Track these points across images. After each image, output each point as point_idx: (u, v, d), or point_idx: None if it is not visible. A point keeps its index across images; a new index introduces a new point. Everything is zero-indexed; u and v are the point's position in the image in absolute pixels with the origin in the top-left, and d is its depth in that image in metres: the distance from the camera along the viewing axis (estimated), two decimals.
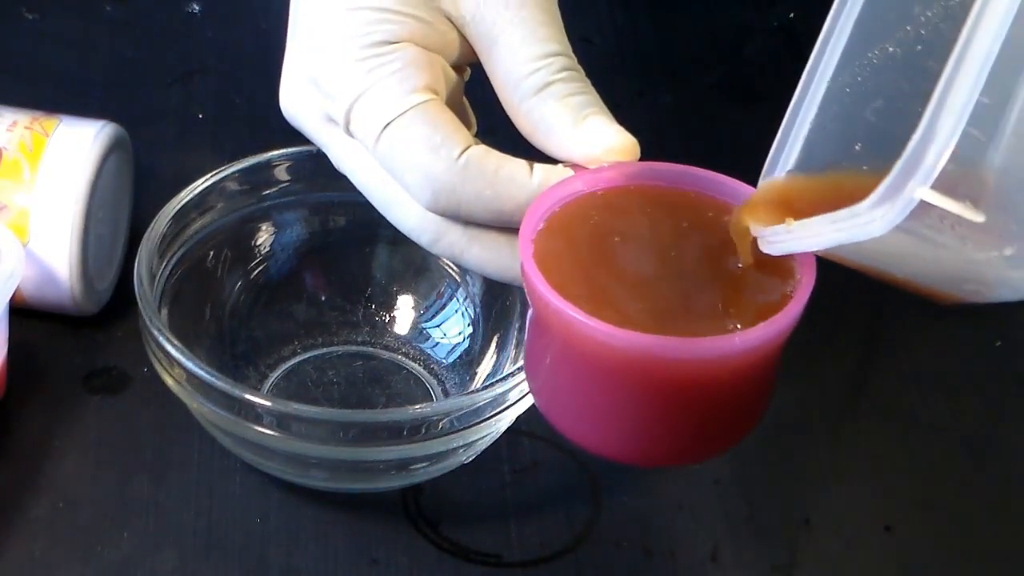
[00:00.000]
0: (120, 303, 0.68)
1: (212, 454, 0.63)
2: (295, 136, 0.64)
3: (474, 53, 0.56)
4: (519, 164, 0.54)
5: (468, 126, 0.58)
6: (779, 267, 0.51)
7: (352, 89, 0.55)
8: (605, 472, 0.64)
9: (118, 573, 0.59)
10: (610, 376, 0.50)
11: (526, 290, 0.51)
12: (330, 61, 0.55)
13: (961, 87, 0.41)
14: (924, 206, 0.42)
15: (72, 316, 0.67)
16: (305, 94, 0.57)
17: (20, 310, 0.65)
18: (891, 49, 0.51)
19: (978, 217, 0.43)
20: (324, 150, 0.58)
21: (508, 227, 0.54)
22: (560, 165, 0.54)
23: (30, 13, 0.82)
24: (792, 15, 0.86)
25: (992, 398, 0.68)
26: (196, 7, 0.84)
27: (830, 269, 0.73)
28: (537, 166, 0.54)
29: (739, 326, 0.49)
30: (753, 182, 0.79)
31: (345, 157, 0.57)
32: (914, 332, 0.71)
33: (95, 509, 0.61)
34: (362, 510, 0.62)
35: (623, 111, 0.80)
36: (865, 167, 0.50)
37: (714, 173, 0.54)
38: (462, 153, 0.53)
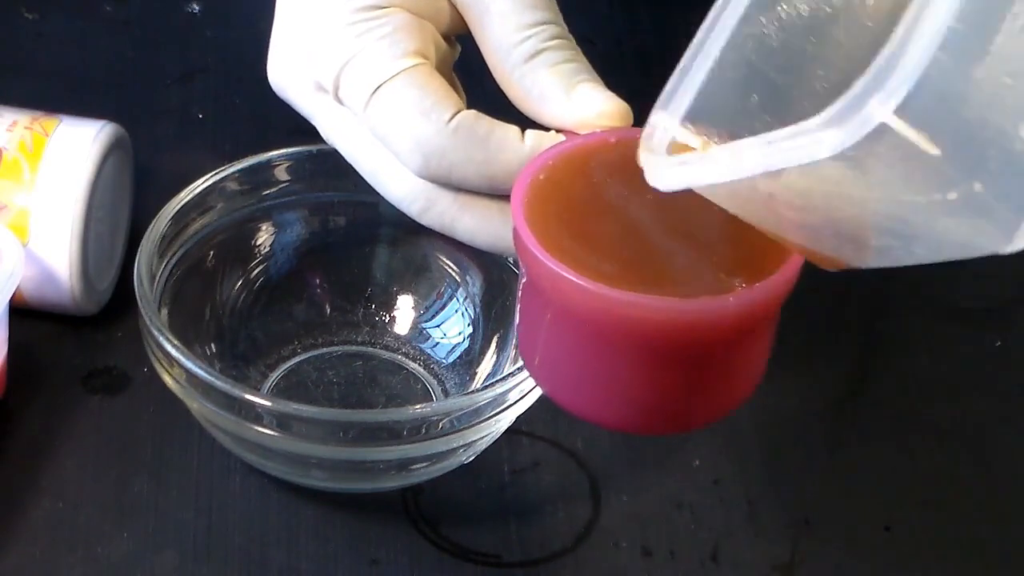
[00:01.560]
0: (120, 303, 0.68)
1: (212, 454, 0.63)
2: (295, 136, 0.64)
3: (464, 23, 0.56)
4: (511, 129, 0.53)
5: None
6: None
7: (341, 54, 0.54)
8: (605, 472, 0.64)
9: (118, 573, 0.59)
10: (602, 338, 0.49)
11: (518, 253, 0.50)
12: (319, 26, 0.55)
13: (940, 3, 0.38)
14: (880, 130, 0.39)
15: (72, 316, 0.67)
16: (293, 62, 0.57)
17: (20, 310, 0.65)
18: (801, 7, 0.49)
19: (934, 151, 0.40)
20: (312, 120, 0.57)
21: (499, 195, 0.54)
22: (552, 132, 0.54)
23: (30, 13, 0.82)
24: None
25: (992, 398, 0.68)
26: (196, 7, 0.84)
27: (828, 272, 0.73)
28: (529, 132, 0.53)
29: (737, 285, 0.48)
30: None
31: (334, 126, 0.57)
32: (914, 332, 0.71)
33: (95, 509, 0.61)
34: (362, 510, 0.62)
35: None
36: (757, 124, 0.47)
37: None
38: (453, 117, 0.53)
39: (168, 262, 0.63)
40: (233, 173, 0.65)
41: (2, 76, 0.78)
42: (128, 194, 0.70)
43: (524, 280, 0.51)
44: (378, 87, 0.54)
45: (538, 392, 0.60)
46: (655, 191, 0.48)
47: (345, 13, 0.54)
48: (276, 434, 0.57)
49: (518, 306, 0.53)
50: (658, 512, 0.63)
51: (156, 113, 0.77)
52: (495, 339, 0.66)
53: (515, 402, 0.59)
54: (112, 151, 0.66)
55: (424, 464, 0.60)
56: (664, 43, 0.83)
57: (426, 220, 0.55)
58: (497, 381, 0.58)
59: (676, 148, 0.48)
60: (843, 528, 0.63)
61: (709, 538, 0.62)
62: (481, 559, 0.61)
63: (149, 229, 0.62)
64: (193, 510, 0.61)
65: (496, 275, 0.66)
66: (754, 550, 0.62)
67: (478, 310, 0.67)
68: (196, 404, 0.59)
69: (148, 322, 0.59)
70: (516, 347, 0.55)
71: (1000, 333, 0.71)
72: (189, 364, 0.58)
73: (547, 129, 0.54)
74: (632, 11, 0.85)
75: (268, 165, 0.66)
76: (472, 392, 0.61)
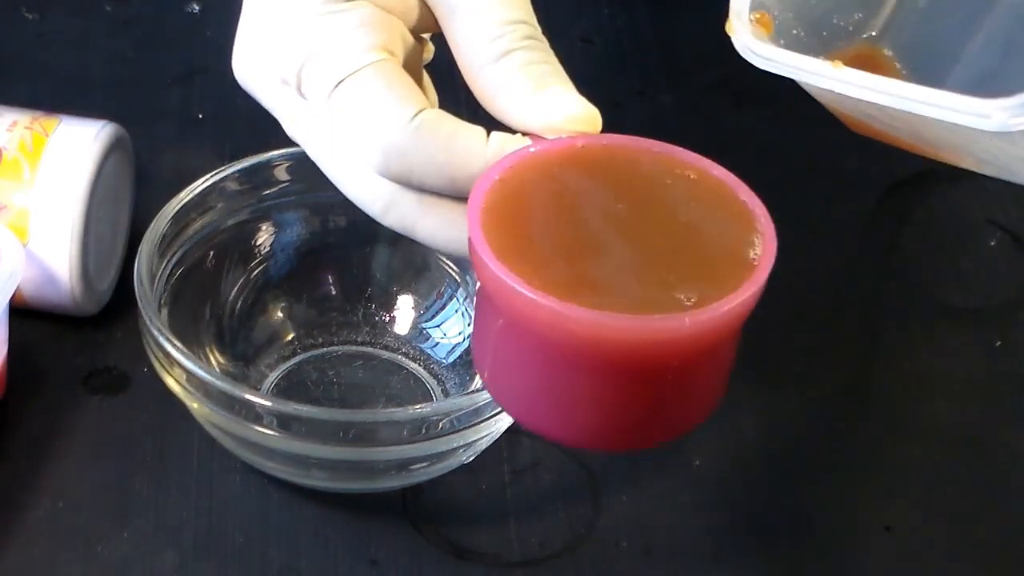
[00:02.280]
0: (120, 303, 0.68)
1: (212, 454, 0.63)
2: None
3: (435, 21, 0.55)
4: (475, 130, 0.52)
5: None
6: (740, 238, 0.49)
7: (305, 46, 0.53)
8: (605, 472, 0.64)
9: (118, 573, 0.59)
10: (551, 352, 0.48)
11: (471, 259, 0.49)
12: (284, 18, 0.54)
13: None
14: None
15: (72, 316, 0.67)
16: (258, 55, 0.56)
17: (20, 310, 0.65)
18: None
19: None
20: (276, 115, 0.56)
21: (462, 197, 0.52)
22: (518, 135, 0.52)
23: (30, 13, 0.82)
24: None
25: (992, 398, 0.68)
26: (196, 7, 0.84)
27: (828, 272, 0.73)
28: (494, 134, 0.52)
29: (696, 303, 0.47)
30: (755, 182, 0.79)
31: (297, 121, 0.55)
32: (914, 332, 0.71)
33: (95, 509, 0.61)
34: (362, 510, 0.62)
35: (623, 111, 0.80)
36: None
37: (676, 147, 0.52)
38: (416, 115, 0.52)
39: (168, 262, 0.63)
40: (233, 173, 0.65)
41: (2, 76, 0.78)
42: (128, 194, 0.70)
43: (479, 286, 0.50)
44: (341, 81, 0.52)
45: None
46: (615, 198, 0.49)
47: (312, 5, 0.53)
48: (276, 434, 0.57)
49: (475, 311, 0.52)
50: (658, 512, 0.63)
51: (156, 113, 0.77)
52: None
53: None
54: (112, 151, 0.66)
55: (424, 464, 0.60)
56: (664, 43, 0.83)
57: (387, 221, 0.54)
58: None
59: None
60: (843, 528, 0.63)
61: (709, 538, 0.62)
62: (481, 559, 0.61)
63: (149, 229, 0.62)
64: (193, 510, 0.61)
65: None
66: (754, 550, 0.62)
67: None
68: (196, 404, 0.59)
69: (148, 322, 0.59)
70: (471, 355, 0.53)
71: (1000, 333, 0.71)
72: (189, 364, 0.58)
73: (513, 132, 0.53)
74: (632, 11, 0.85)
75: (268, 165, 0.66)
76: (472, 392, 0.61)
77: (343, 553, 0.61)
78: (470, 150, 0.51)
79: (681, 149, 0.52)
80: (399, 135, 0.51)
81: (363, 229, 0.67)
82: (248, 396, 0.57)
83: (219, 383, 0.57)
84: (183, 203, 0.63)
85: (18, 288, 0.63)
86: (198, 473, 0.63)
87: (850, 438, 0.66)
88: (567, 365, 0.48)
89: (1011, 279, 0.73)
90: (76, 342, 0.67)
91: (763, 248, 0.49)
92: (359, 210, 0.66)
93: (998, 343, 0.71)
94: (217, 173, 0.65)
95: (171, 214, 0.63)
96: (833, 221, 0.75)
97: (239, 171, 0.65)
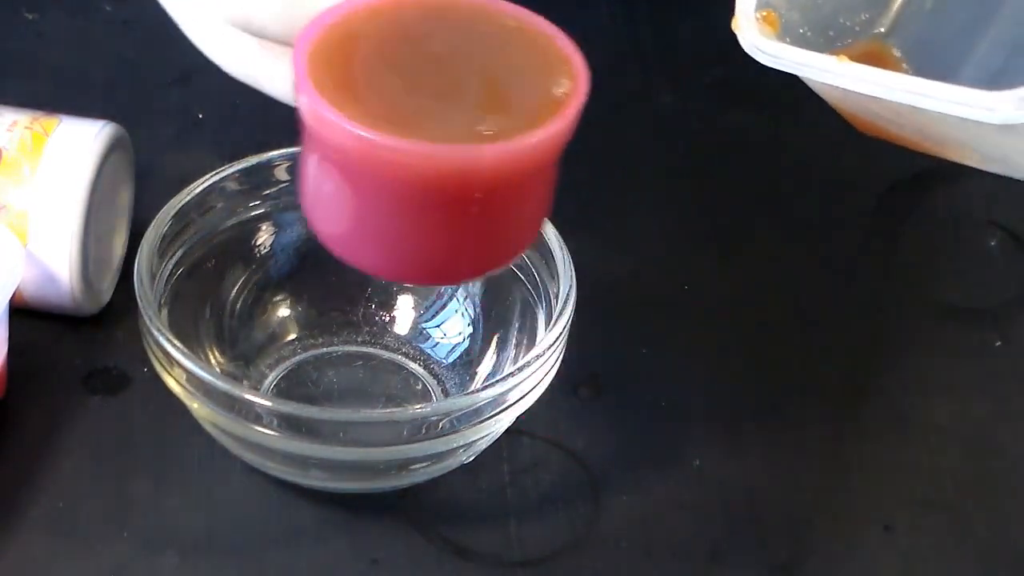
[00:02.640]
0: (120, 303, 0.68)
1: (212, 454, 0.63)
2: (295, 136, 0.64)
3: None
4: None
5: None
6: (554, 81, 0.52)
7: None
8: (605, 472, 0.64)
9: (118, 573, 0.59)
10: (360, 180, 0.50)
11: (295, 96, 0.51)
12: None
13: None
14: None
15: (72, 316, 0.67)
16: None
17: (20, 310, 0.65)
18: None
19: None
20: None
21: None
22: None
23: (30, 13, 0.82)
24: None
25: (992, 398, 0.68)
26: None
27: (828, 272, 0.73)
28: None
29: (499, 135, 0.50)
30: (755, 182, 0.80)
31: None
32: (914, 332, 0.71)
33: (95, 509, 0.61)
34: (362, 510, 0.62)
35: (623, 111, 0.80)
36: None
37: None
38: None
39: (168, 262, 0.63)
40: (233, 173, 0.65)
41: (2, 76, 0.78)
42: (128, 194, 0.70)
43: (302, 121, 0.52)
44: None
45: (538, 392, 0.60)
46: (437, 40, 0.53)
47: None
48: (276, 434, 0.57)
49: (301, 149, 0.54)
50: (658, 512, 0.63)
51: (156, 113, 0.77)
52: (495, 339, 0.66)
53: (515, 402, 0.59)
54: (112, 151, 0.66)
55: (424, 464, 0.60)
56: (664, 43, 0.83)
57: (235, 71, 0.57)
58: (497, 381, 0.58)
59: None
60: (843, 528, 0.63)
61: (709, 538, 0.62)
62: (481, 559, 0.61)
63: (149, 229, 0.62)
64: (193, 510, 0.61)
65: (496, 275, 0.66)
66: (754, 550, 0.62)
67: (478, 310, 0.67)
68: (196, 404, 0.59)
69: (148, 322, 0.59)
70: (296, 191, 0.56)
71: (1000, 333, 0.71)
72: (189, 364, 0.58)
73: None
74: (632, 11, 0.85)
75: (268, 165, 0.66)
76: (472, 392, 0.61)
77: (343, 553, 0.61)
78: (316, 2, 0.54)
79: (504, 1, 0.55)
80: None
81: None
82: (248, 396, 0.57)
83: (219, 383, 0.57)
84: (183, 203, 0.63)
85: (18, 288, 0.63)
86: (198, 473, 0.63)
87: (850, 438, 0.66)
88: (375, 194, 0.51)
89: (1011, 279, 0.73)
90: (76, 342, 0.67)
91: (574, 89, 0.51)
92: None
93: (998, 343, 0.71)
94: (217, 173, 0.65)
95: (171, 214, 0.63)
96: (833, 221, 0.75)
97: (239, 171, 0.65)
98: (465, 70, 0.52)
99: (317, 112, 0.50)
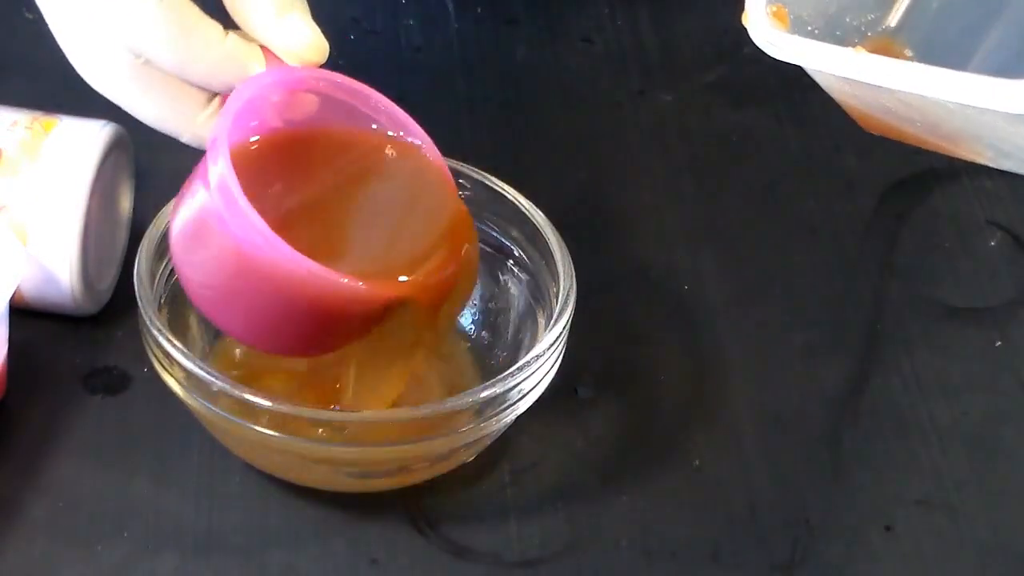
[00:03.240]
0: (120, 303, 0.68)
1: (212, 454, 0.63)
2: None
3: None
4: (216, 26, 0.56)
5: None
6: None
7: None
8: (605, 472, 0.64)
9: (118, 573, 0.59)
10: (246, 270, 0.55)
11: (206, 169, 0.56)
12: None
13: None
14: None
15: (72, 316, 0.67)
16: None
17: (20, 310, 0.65)
18: None
19: None
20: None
21: (187, 83, 0.57)
22: (253, 43, 0.57)
23: (30, 13, 0.82)
24: None
25: (992, 398, 0.68)
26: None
27: (828, 272, 0.73)
28: (231, 34, 0.57)
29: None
30: (755, 181, 0.79)
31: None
32: (914, 332, 0.71)
33: (95, 509, 0.61)
34: (362, 510, 0.62)
35: (623, 111, 0.80)
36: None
37: (396, 109, 0.59)
38: None
39: (168, 262, 0.63)
40: None
41: (2, 76, 0.78)
42: (128, 194, 0.70)
43: (197, 186, 0.57)
44: None
45: (538, 392, 0.60)
46: (340, 172, 0.59)
47: None
48: (276, 434, 0.57)
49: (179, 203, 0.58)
50: (658, 512, 0.63)
51: None
52: (495, 339, 0.66)
53: (515, 402, 0.59)
54: (112, 151, 0.66)
55: (424, 464, 0.60)
56: (664, 43, 0.83)
57: (105, 89, 0.59)
58: (497, 381, 0.58)
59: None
60: (843, 528, 0.63)
61: (709, 538, 0.62)
62: (481, 559, 0.61)
63: (149, 229, 0.62)
64: (193, 510, 0.61)
65: (496, 275, 0.66)
66: (754, 550, 0.62)
67: (478, 310, 0.67)
68: (196, 404, 0.59)
69: (148, 322, 0.59)
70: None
71: (1000, 333, 0.71)
72: (189, 364, 0.58)
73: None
74: (632, 11, 0.85)
75: None
76: (472, 392, 0.61)
77: (343, 553, 0.61)
78: (208, 39, 0.56)
79: (405, 117, 0.60)
80: (145, 4, 0.55)
81: None
82: (248, 396, 0.57)
83: (219, 383, 0.57)
84: None
85: (18, 288, 0.63)
86: (198, 473, 0.63)
87: (850, 438, 0.66)
88: (253, 286, 0.56)
89: (1011, 279, 0.73)
90: (76, 342, 0.67)
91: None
92: None
93: (998, 343, 0.70)
94: None
95: None
96: (833, 221, 0.75)
97: None
98: (355, 202, 0.59)
99: (231, 194, 0.54)
